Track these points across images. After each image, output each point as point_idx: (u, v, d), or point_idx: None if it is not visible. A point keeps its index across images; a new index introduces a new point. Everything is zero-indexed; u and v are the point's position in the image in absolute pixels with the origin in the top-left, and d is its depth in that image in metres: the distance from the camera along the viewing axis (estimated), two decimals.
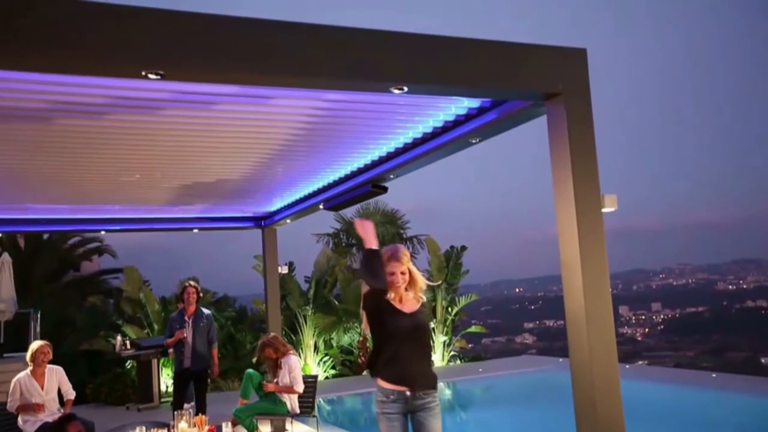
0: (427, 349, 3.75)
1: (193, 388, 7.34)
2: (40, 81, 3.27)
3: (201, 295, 7.53)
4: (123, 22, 2.74)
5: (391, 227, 16.65)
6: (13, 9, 2.55)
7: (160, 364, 10.26)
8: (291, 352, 6.52)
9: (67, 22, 2.64)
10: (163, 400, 9.89)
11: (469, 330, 15.09)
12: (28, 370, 5.90)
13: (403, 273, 3.64)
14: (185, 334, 7.10)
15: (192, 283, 7.36)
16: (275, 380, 6.44)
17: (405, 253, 3.73)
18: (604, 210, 3.59)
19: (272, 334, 7.03)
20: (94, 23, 2.68)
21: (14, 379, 5.87)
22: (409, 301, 3.70)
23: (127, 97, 3.63)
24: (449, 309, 14.17)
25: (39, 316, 10.33)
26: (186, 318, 7.19)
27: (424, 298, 3.80)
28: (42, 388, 5.85)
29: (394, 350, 3.57)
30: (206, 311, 7.42)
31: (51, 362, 6.01)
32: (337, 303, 13.38)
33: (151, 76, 2.81)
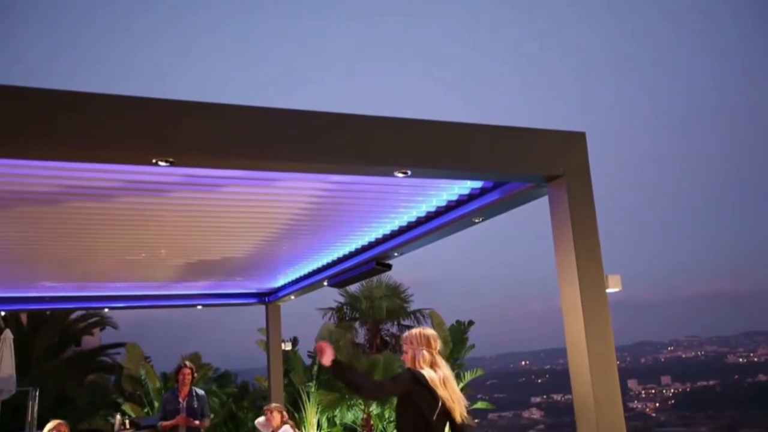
0: None
1: None
2: (52, 167, 3.35)
3: (195, 375, 7.51)
4: (134, 112, 2.83)
5: (396, 299, 16.55)
6: (27, 103, 2.65)
7: None
8: (289, 423, 6.43)
9: (79, 113, 2.74)
10: None
11: (475, 406, 14.75)
12: None
13: (405, 352, 3.91)
14: (184, 416, 7.00)
15: (188, 363, 7.33)
16: None
17: (404, 336, 3.99)
18: (608, 290, 3.59)
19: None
20: (105, 114, 2.77)
21: None
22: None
23: (135, 181, 3.71)
24: None
25: (37, 394, 10.17)
26: (180, 399, 7.12)
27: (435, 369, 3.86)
28: None
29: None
30: (200, 391, 7.36)
31: None
32: None
33: (161, 163, 2.88)
